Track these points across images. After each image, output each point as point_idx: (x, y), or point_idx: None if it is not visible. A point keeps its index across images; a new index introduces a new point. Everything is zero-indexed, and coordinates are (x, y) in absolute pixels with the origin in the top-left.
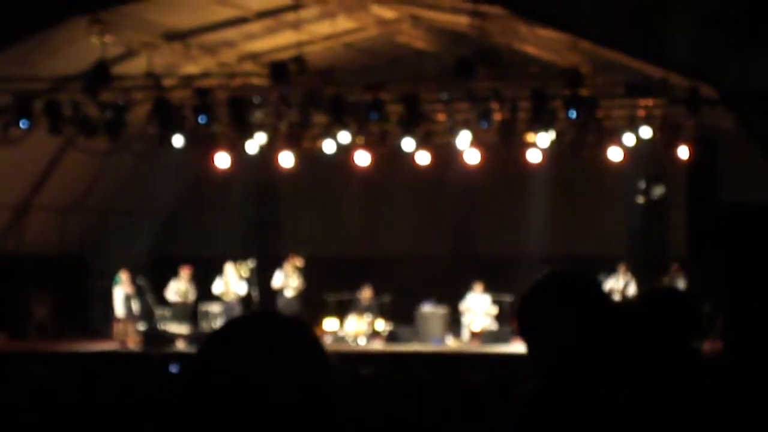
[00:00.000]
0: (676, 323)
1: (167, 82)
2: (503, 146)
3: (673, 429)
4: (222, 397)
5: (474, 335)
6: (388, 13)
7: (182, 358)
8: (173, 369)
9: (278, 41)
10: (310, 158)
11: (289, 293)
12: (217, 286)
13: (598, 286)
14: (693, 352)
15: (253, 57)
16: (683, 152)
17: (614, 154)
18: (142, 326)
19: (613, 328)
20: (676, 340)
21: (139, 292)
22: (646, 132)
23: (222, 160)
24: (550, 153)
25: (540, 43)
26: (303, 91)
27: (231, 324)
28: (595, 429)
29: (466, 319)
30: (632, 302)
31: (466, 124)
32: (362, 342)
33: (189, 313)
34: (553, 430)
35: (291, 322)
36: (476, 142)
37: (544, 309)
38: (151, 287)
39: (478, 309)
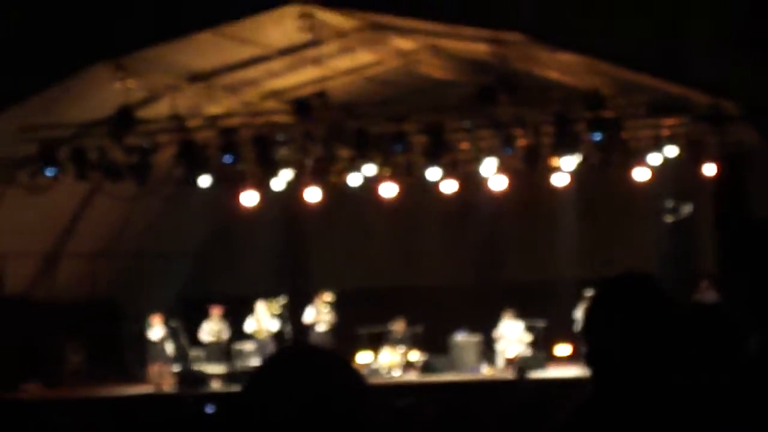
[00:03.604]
0: (716, 338)
1: (191, 123)
2: (529, 171)
3: None
4: (270, 423)
5: (509, 362)
6: (407, 44)
7: (218, 398)
8: (209, 410)
9: (300, 78)
10: (337, 192)
11: (321, 328)
12: (249, 325)
13: (664, 290)
14: (738, 366)
15: (276, 94)
16: (710, 169)
17: (640, 174)
18: (176, 368)
19: (677, 333)
20: (717, 354)
21: (173, 334)
22: (671, 151)
23: (249, 198)
24: (575, 176)
25: (560, 67)
26: (326, 126)
27: (270, 361)
28: None
29: (500, 347)
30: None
31: (491, 151)
32: (397, 374)
33: (223, 352)
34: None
35: (328, 355)
36: (501, 168)
37: (611, 310)
38: (184, 329)
39: (512, 336)
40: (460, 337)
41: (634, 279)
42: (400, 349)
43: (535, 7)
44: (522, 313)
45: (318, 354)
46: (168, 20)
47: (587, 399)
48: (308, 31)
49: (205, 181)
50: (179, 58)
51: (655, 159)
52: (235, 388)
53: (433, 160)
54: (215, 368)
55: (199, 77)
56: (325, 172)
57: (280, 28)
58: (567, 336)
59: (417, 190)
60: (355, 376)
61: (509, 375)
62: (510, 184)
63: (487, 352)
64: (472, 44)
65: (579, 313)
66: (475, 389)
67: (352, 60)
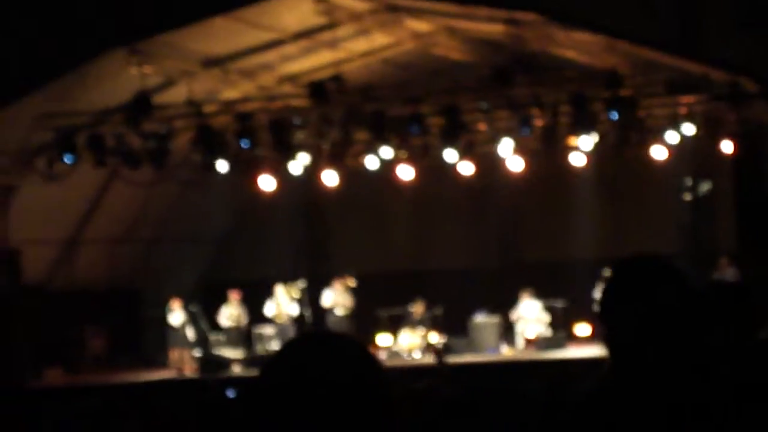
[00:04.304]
0: (735, 316)
1: (208, 108)
2: (546, 152)
3: (739, 419)
4: (284, 417)
5: (529, 342)
6: (422, 26)
7: (239, 383)
8: (230, 394)
9: (315, 61)
10: (354, 175)
11: (339, 312)
12: (269, 309)
13: (680, 269)
14: (758, 344)
15: (292, 78)
16: (728, 147)
17: (658, 153)
18: (197, 353)
19: (692, 313)
20: (736, 333)
21: (193, 319)
22: (689, 129)
23: (267, 182)
24: (593, 155)
25: (577, 46)
26: (343, 109)
27: (287, 347)
28: (660, 415)
29: (519, 327)
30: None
31: (508, 132)
32: (417, 356)
33: (243, 337)
34: (619, 416)
35: (344, 340)
36: (519, 149)
37: (626, 290)
38: (204, 313)
39: (530, 316)
40: (480, 318)
41: (648, 259)
42: (420, 331)
43: None
44: (541, 294)
45: (335, 339)
46: (183, 5)
47: (603, 379)
48: (323, 15)
49: (222, 166)
50: (195, 44)
51: (672, 137)
52: (256, 372)
53: (449, 142)
54: (235, 352)
55: (214, 62)
56: (342, 155)
57: (294, 12)
58: (586, 316)
59: (434, 172)
60: (372, 362)
61: (530, 355)
62: (527, 164)
63: (507, 333)
64: (487, 25)
65: (597, 293)
66: (495, 370)
67: (368, 43)
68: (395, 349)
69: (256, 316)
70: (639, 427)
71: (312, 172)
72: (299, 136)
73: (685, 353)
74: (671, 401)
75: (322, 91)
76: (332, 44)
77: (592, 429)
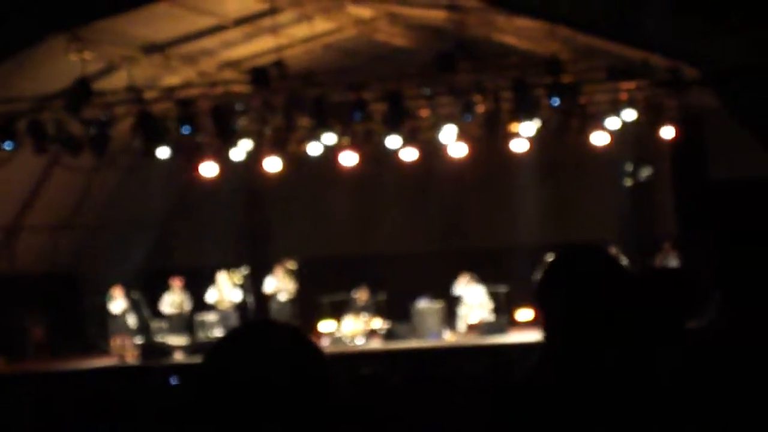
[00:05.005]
0: (670, 301)
1: (149, 94)
2: (488, 138)
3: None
4: (227, 405)
5: (471, 327)
6: (364, 12)
7: (181, 370)
8: (173, 381)
9: (257, 47)
10: (297, 162)
11: (283, 297)
12: (211, 295)
13: (615, 258)
14: (688, 331)
15: (233, 64)
16: (668, 132)
17: (599, 139)
18: (139, 340)
19: (624, 298)
20: (671, 318)
21: (134, 306)
22: (629, 115)
23: (208, 169)
24: (535, 141)
25: (518, 32)
26: (285, 95)
27: (229, 335)
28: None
29: (462, 312)
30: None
31: (450, 118)
32: (360, 342)
33: (185, 324)
34: (553, 398)
35: (286, 328)
36: (461, 135)
37: (562, 276)
38: (145, 301)
39: (474, 301)
40: (422, 304)
41: (583, 247)
42: (363, 317)
43: None
44: (484, 279)
45: (277, 327)
46: None
47: (539, 362)
48: (265, 0)
49: (163, 152)
50: (135, 29)
51: (613, 123)
52: (198, 359)
53: (392, 128)
54: (178, 339)
55: (155, 48)
56: (284, 141)
57: None
58: (528, 301)
59: (377, 159)
60: (314, 350)
61: (472, 340)
62: (470, 150)
63: (449, 318)
64: (429, 11)
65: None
66: (437, 355)
67: (310, 28)
68: (338, 335)
69: (199, 303)
70: (572, 410)
71: (254, 158)
72: (241, 122)
73: (612, 337)
74: (599, 383)
75: (264, 76)
76: (274, 30)
77: (530, 411)
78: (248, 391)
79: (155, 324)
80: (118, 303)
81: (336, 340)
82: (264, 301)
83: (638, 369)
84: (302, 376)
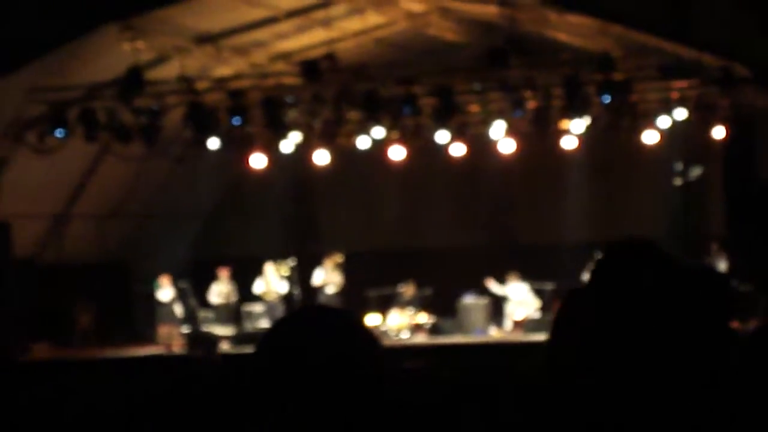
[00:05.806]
0: (709, 303)
1: (200, 85)
2: (538, 134)
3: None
4: (281, 390)
5: (517, 324)
6: (416, 6)
7: (227, 360)
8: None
9: (309, 39)
10: (346, 155)
11: (330, 290)
12: (258, 286)
13: (669, 255)
14: (729, 333)
15: (285, 56)
16: (719, 132)
17: (650, 137)
18: (186, 329)
19: (673, 298)
20: (710, 320)
21: (182, 296)
22: (680, 113)
23: (258, 160)
24: (585, 139)
25: (570, 29)
26: (335, 88)
27: (284, 320)
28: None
29: (508, 309)
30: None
31: (500, 114)
32: (405, 336)
33: (232, 314)
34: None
35: (342, 315)
36: (511, 131)
37: (612, 272)
38: (193, 290)
39: (519, 298)
40: (468, 300)
41: (636, 242)
42: (409, 312)
43: None
44: (531, 276)
45: (332, 314)
46: None
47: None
48: None
49: (214, 143)
50: (188, 20)
51: (664, 122)
52: (244, 349)
53: (442, 123)
54: (224, 329)
55: (207, 39)
56: (333, 134)
57: None
58: None
59: (426, 153)
60: (369, 336)
61: (517, 337)
62: (519, 146)
63: (495, 314)
64: (481, 6)
65: (587, 276)
66: (482, 351)
67: (362, 22)
68: (384, 329)
69: (246, 293)
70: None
71: (303, 150)
72: (291, 114)
73: (658, 338)
74: (640, 380)
75: (315, 69)
76: (326, 23)
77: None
78: (302, 376)
79: (202, 313)
80: (165, 292)
81: (381, 334)
82: (311, 293)
83: (695, 367)
84: (357, 361)
